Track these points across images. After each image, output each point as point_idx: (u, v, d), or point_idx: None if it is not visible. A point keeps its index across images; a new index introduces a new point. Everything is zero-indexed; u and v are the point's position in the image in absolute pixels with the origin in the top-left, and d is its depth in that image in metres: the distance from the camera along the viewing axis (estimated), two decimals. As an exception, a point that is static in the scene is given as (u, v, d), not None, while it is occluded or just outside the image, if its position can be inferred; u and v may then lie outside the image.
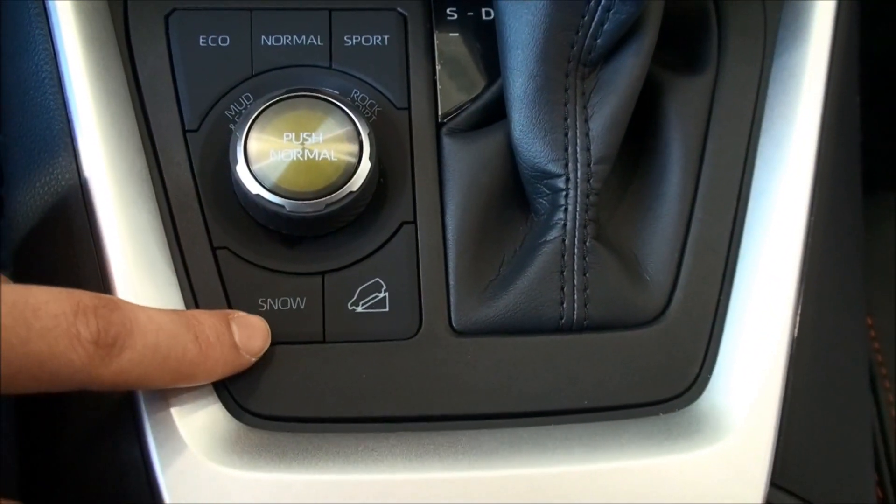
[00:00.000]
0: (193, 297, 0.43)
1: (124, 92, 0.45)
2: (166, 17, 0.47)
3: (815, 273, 0.46)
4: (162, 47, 0.46)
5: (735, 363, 0.44)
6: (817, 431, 0.45)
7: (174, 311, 0.39)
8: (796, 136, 0.47)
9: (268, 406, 0.42)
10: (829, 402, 0.46)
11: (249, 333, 0.41)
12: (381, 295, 0.44)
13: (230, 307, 0.43)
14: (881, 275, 0.67)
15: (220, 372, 0.40)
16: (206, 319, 0.40)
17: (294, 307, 0.43)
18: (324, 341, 0.43)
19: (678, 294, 0.45)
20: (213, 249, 0.44)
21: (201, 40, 0.46)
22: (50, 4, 0.45)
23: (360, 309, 0.44)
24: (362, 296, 0.44)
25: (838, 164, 0.49)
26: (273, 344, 0.43)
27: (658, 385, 0.44)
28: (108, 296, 0.37)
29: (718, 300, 0.46)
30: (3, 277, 0.40)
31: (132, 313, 0.37)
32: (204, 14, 0.47)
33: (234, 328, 0.41)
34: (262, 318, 0.42)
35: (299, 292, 0.43)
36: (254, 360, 0.42)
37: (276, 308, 0.43)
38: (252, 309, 0.43)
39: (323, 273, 0.44)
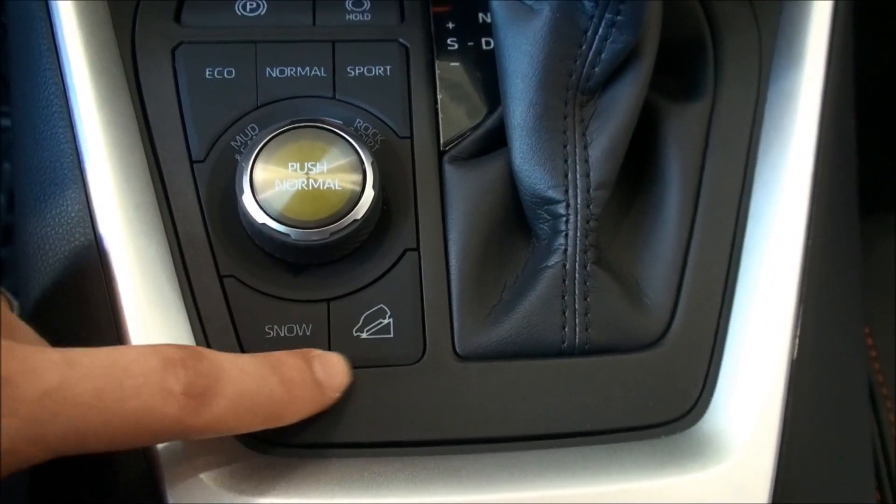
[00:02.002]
0: (201, 325, 0.43)
1: (132, 124, 0.46)
2: (173, 51, 0.48)
3: (813, 295, 0.46)
4: (169, 80, 0.47)
5: (735, 385, 0.45)
6: (818, 452, 0.45)
7: (258, 355, 0.39)
8: (793, 159, 0.48)
9: (273, 432, 0.42)
10: (830, 423, 0.46)
11: (330, 371, 0.42)
12: (386, 321, 0.45)
13: (237, 335, 0.44)
14: (882, 295, 0.68)
15: (308, 410, 0.41)
16: (289, 360, 0.40)
17: (300, 334, 0.44)
18: (329, 367, 0.44)
19: (678, 317, 0.46)
20: (221, 278, 0.44)
21: (207, 73, 0.47)
22: (60, 39, 0.46)
23: (364, 335, 0.44)
24: (367, 322, 0.44)
25: (835, 186, 0.49)
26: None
27: (659, 408, 0.45)
28: (192, 346, 0.38)
29: (718, 323, 0.46)
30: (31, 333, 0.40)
31: (218, 361, 0.37)
32: (210, 47, 0.48)
33: (316, 366, 0.41)
34: (341, 355, 0.43)
35: (305, 319, 0.44)
36: (336, 396, 0.42)
37: (282, 335, 0.44)
38: (259, 336, 0.44)
39: (328, 300, 0.44)
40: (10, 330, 0.37)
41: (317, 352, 0.42)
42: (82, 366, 0.34)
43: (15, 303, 0.39)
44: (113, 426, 0.34)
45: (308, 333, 0.44)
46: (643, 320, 0.46)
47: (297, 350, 0.42)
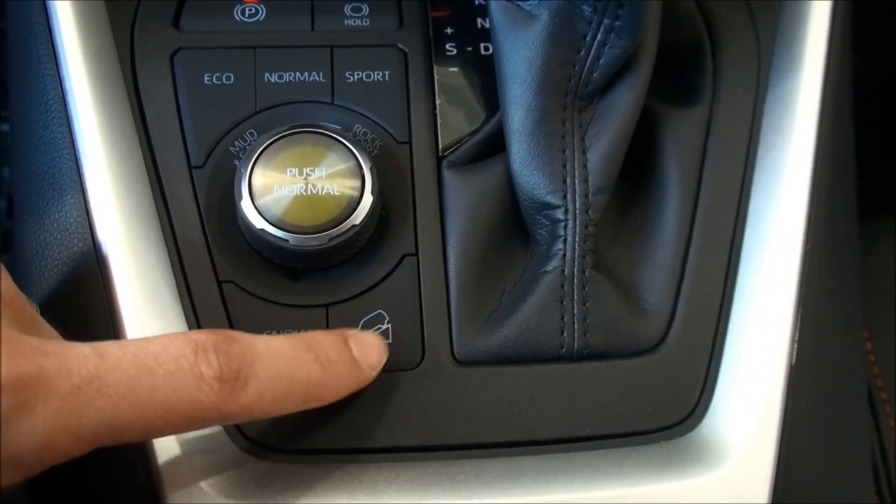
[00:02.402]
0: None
1: (131, 129, 0.46)
2: (172, 56, 0.48)
3: (812, 299, 0.46)
4: (168, 85, 0.47)
5: (734, 390, 0.45)
6: (817, 457, 0.45)
7: (293, 335, 0.39)
8: (791, 163, 0.48)
9: (271, 436, 0.43)
10: (829, 427, 0.47)
11: (366, 349, 0.41)
12: (385, 326, 0.45)
13: (236, 340, 0.44)
14: (881, 299, 0.68)
15: (347, 389, 0.40)
16: (325, 338, 0.40)
17: (299, 339, 0.44)
18: (328, 372, 0.44)
19: (677, 322, 0.46)
20: (219, 283, 0.44)
21: (206, 78, 0.47)
22: (59, 44, 0.46)
23: (363, 340, 0.44)
24: (366, 327, 0.44)
25: (833, 191, 0.49)
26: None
27: (658, 412, 0.45)
28: (223, 330, 0.37)
29: (717, 327, 0.46)
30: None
31: (250, 343, 0.37)
32: (209, 52, 0.48)
33: (352, 344, 0.41)
34: (376, 334, 0.43)
35: (304, 325, 0.44)
36: (374, 374, 0.41)
37: (281, 341, 0.44)
38: (258, 342, 0.44)
39: (327, 305, 0.45)
40: (37, 329, 0.37)
41: (352, 331, 0.42)
42: (113, 357, 0.34)
43: (35, 305, 0.39)
44: (147, 416, 0.34)
45: (307, 339, 0.44)
46: (642, 325, 0.46)
47: (335, 330, 0.41)
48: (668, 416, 0.45)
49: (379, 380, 0.43)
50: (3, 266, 0.37)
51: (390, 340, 0.44)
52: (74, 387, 0.33)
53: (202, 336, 0.36)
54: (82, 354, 0.33)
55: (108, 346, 0.34)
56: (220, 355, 0.35)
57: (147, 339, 0.36)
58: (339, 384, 0.40)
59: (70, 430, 0.33)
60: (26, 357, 0.32)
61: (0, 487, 0.33)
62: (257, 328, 0.44)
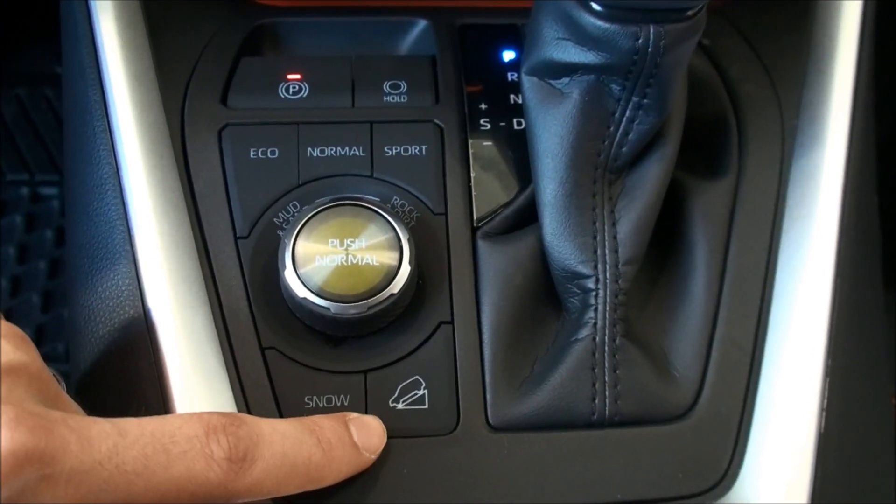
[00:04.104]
0: (244, 395, 0.45)
1: (180, 201, 0.48)
2: (219, 132, 0.50)
3: (839, 368, 0.47)
4: (215, 159, 0.49)
5: (764, 457, 0.45)
6: (847, 525, 0.46)
7: (296, 420, 0.41)
8: (816, 235, 0.49)
9: (309, 501, 0.43)
10: (857, 495, 0.47)
11: (367, 433, 0.43)
12: (421, 392, 0.46)
13: (278, 405, 0.45)
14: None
15: (345, 472, 0.42)
16: (326, 423, 0.42)
17: (338, 404, 0.45)
18: (366, 437, 0.45)
19: (706, 390, 0.47)
20: (262, 349, 0.46)
21: (252, 152, 0.49)
22: (114, 120, 0.49)
23: (400, 406, 0.46)
24: (403, 393, 0.46)
25: (859, 260, 0.50)
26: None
27: (688, 479, 0.45)
28: (233, 413, 0.40)
29: (746, 395, 0.47)
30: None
31: (257, 426, 0.39)
32: (254, 128, 0.50)
33: (353, 429, 0.42)
34: (376, 418, 0.44)
35: (343, 390, 0.45)
36: (373, 458, 0.43)
37: (321, 406, 0.45)
38: (298, 406, 0.45)
39: (365, 371, 0.46)
40: (61, 404, 0.39)
41: (353, 415, 0.44)
42: (132, 434, 0.36)
43: (63, 383, 0.41)
44: (159, 492, 0.35)
45: (346, 404, 0.45)
46: (672, 392, 0.47)
47: (336, 414, 0.43)
48: (698, 482, 0.45)
49: (415, 444, 0.45)
50: (31, 341, 0.38)
51: (426, 406, 0.46)
52: (96, 462, 0.34)
53: (214, 417, 0.38)
54: (104, 431, 0.35)
55: (128, 424, 0.36)
56: (230, 437, 0.37)
57: (163, 417, 0.38)
58: (339, 467, 0.42)
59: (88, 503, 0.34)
60: (51, 431, 0.34)
61: None
62: (298, 393, 0.45)
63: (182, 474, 0.36)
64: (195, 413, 0.38)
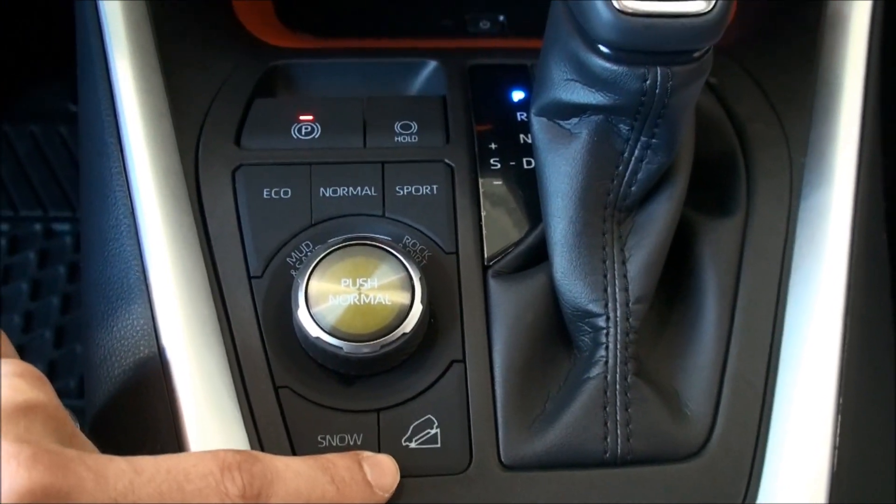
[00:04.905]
0: (257, 434, 0.45)
1: (195, 241, 0.49)
2: (233, 172, 0.51)
3: (851, 405, 0.47)
4: (229, 200, 0.50)
5: (776, 496, 0.45)
6: (861, 563, 0.46)
7: (310, 457, 0.42)
8: (826, 272, 0.49)
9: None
10: (872, 533, 0.47)
11: (380, 471, 0.43)
12: (433, 431, 0.46)
13: (291, 444, 0.45)
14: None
15: None
16: (340, 461, 0.42)
17: (351, 443, 0.45)
18: (379, 476, 0.45)
19: (718, 427, 0.47)
20: (276, 389, 0.46)
21: (265, 193, 0.50)
22: (129, 162, 0.50)
23: (413, 445, 0.46)
24: (415, 432, 0.46)
25: (869, 298, 0.50)
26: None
27: (702, 518, 0.45)
28: (248, 451, 0.40)
29: (758, 433, 0.47)
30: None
31: (272, 464, 0.39)
32: (267, 169, 0.51)
33: (366, 468, 0.43)
34: (389, 457, 0.44)
35: (356, 429, 0.46)
36: (387, 496, 0.43)
37: (334, 444, 0.45)
38: (311, 445, 0.45)
39: (378, 410, 0.46)
40: (77, 443, 0.39)
41: (366, 453, 0.44)
42: (147, 472, 0.36)
43: (77, 421, 0.41)
44: None
45: (359, 443, 0.45)
46: (684, 430, 0.47)
47: (349, 452, 0.44)
48: (711, 521, 0.46)
49: (428, 483, 0.45)
50: (47, 380, 0.39)
51: (439, 445, 0.46)
52: (111, 500, 0.34)
53: (228, 455, 0.38)
54: (119, 469, 0.35)
55: (143, 462, 0.36)
56: (244, 474, 0.38)
57: (178, 455, 0.38)
58: None
59: None
60: (68, 470, 0.34)
61: None
62: (312, 432, 0.46)
63: None
64: (210, 451, 0.39)
